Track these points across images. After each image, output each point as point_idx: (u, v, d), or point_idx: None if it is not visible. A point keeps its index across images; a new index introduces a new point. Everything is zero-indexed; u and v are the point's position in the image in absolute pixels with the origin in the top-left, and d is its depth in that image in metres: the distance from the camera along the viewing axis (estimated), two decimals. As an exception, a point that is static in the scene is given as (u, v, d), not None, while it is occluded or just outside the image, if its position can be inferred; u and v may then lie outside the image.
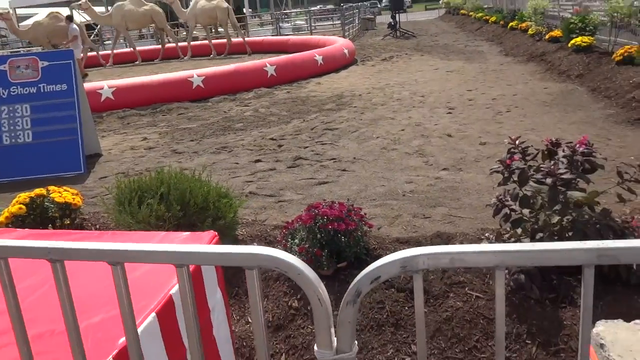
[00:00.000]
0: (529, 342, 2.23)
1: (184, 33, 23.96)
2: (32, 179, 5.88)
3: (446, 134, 6.48)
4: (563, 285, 2.34)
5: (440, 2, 45.24)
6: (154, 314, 1.64)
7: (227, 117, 8.63)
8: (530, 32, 14.41)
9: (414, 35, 21.08)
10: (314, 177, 5.36)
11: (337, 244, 2.73)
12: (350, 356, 1.00)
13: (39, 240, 1.06)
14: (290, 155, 6.13)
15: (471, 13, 26.84)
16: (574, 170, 2.40)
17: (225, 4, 19.70)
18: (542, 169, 2.29)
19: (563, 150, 2.42)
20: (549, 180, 2.23)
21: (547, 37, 12.61)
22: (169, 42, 20.94)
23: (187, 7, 21.01)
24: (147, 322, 1.61)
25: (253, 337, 2.55)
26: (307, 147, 6.45)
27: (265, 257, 1.00)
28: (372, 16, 31.75)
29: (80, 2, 18.83)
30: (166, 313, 1.69)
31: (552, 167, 2.26)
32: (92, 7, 19.17)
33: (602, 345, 1.58)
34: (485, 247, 0.89)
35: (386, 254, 2.83)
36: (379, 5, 51.44)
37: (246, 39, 20.42)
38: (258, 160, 6.06)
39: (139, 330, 1.57)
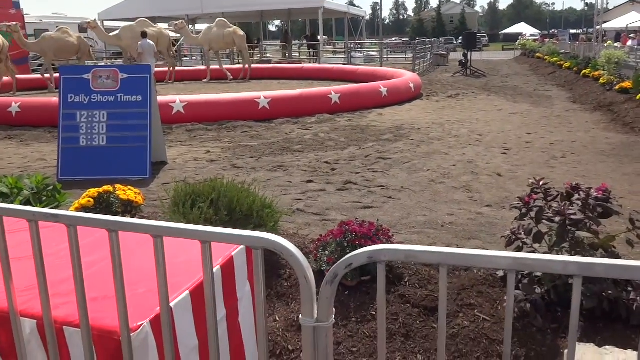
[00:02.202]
0: (528, 367, 2.40)
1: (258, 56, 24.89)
2: (101, 179, 6.42)
3: (496, 173, 6.61)
4: (566, 318, 2.49)
5: (517, 43, 45.02)
6: (187, 291, 1.95)
7: (288, 138, 9.04)
8: (601, 81, 14.24)
9: (484, 75, 21.12)
10: (361, 201, 5.62)
11: (363, 260, 2.98)
12: (327, 325, 1.27)
13: (101, 215, 1.38)
14: (341, 179, 6.42)
15: (546, 57, 26.61)
16: (588, 212, 2.56)
17: (242, 32, 20.87)
18: (553, 208, 2.48)
19: (579, 194, 2.60)
20: (557, 219, 2.41)
21: (617, 87, 12.46)
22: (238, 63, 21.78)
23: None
24: (181, 297, 1.92)
25: (279, 332, 2.83)
26: (358, 172, 6.73)
27: (267, 241, 1.28)
28: (445, 52, 31.90)
29: (176, 22, 20.03)
30: (198, 292, 1.99)
31: (563, 207, 2.44)
32: (187, 27, 20.24)
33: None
34: (432, 248, 1.14)
35: (407, 274, 3.05)
36: (454, 42, 51.57)
37: (286, 65, 21.25)
38: (310, 181, 6.38)
39: (173, 303, 1.89)
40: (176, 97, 10.71)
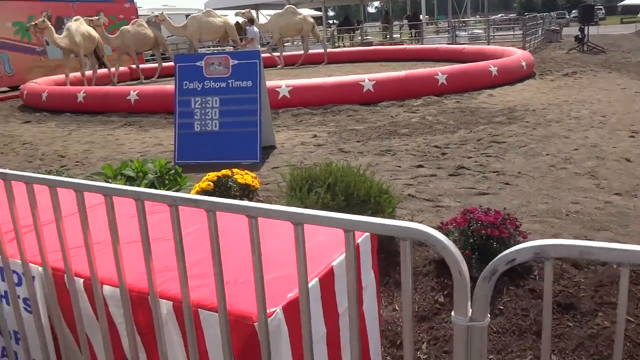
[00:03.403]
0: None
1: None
2: (214, 163, 6.63)
3: (625, 157, 6.10)
4: None
5: (639, 16, 41.49)
6: (317, 279, 1.91)
7: (394, 122, 8.88)
8: None
9: (603, 51, 19.66)
10: (475, 187, 5.40)
11: (488, 249, 2.82)
12: (482, 324, 1.16)
13: (239, 200, 1.35)
14: (453, 164, 6.20)
15: (673, 29, 24.33)
16: None
17: (311, 19, 20.78)
18: None
19: None
20: None
21: None
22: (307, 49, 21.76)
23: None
24: (310, 284, 1.88)
25: (399, 322, 2.75)
26: (471, 157, 6.47)
27: (417, 231, 1.19)
28: (558, 28, 30.03)
29: (244, 11, 20.36)
30: (327, 280, 1.95)
31: None
32: (254, 17, 20.50)
33: None
34: (611, 245, 1.00)
35: (537, 266, 2.86)
36: (566, 17, 48.52)
37: (388, 47, 20.96)
38: (420, 166, 6.22)
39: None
40: (282, 82, 10.85)
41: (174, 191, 4.13)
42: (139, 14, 26.08)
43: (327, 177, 3.22)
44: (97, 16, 18.36)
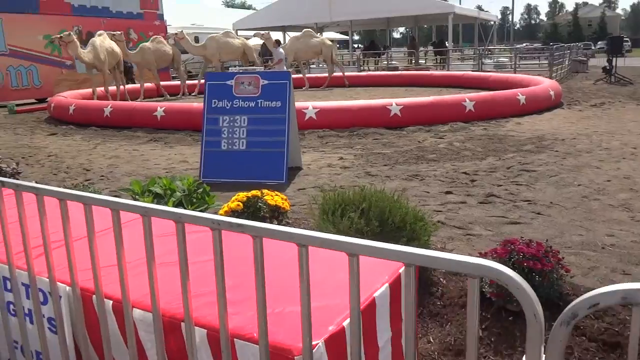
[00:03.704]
0: None
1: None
2: (239, 182, 6.58)
3: (659, 190, 5.93)
4: None
5: (666, 47, 41.09)
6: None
7: (421, 147, 8.78)
8: None
9: (630, 82, 19.41)
10: (506, 215, 5.26)
11: (530, 283, 2.69)
12: (558, 374, 1.05)
13: (290, 227, 1.27)
14: (482, 191, 6.07)
15: (703, 62, 23.98)
16: None
17: (329, 42, 20.97)
18: None
19: None
20: None
21: None
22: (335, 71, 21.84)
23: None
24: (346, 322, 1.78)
25: (434, 355, 2.62)
26: (500, 185, 6.34)
27: (489, 269, 1.09)
28: (585, 58, 29.84)
29: (263, 33, 20.49)
30: (368, 312, 1.85)
31: None
32: (271, 38, 20.63)
33: None
34: None
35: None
36: (592, 48, 48.24)
37: (414, 72, 21.12)
38: (449, 192, 6.09)
39: (345, 322, 1.76)
40: (309, 104, 10.83)
41: (201, 210, 4.07)
42: (169, 32, 26.48)
43: (361, 202, 3.13)
44: (121, 32, 18.50)
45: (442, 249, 3.96)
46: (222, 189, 6.33)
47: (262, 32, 20.78)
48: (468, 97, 11.34)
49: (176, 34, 19.21)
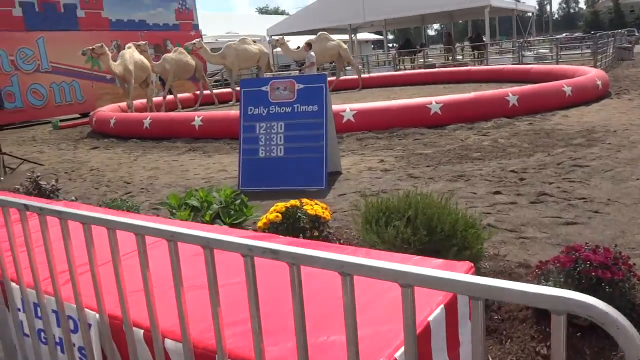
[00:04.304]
0: None
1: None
2: (278, 190, 6.43)
3: None
4: None
5: None
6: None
7: (464, 145, 8.47)
8: None
9: (681, 67, 18.53)
10: (560, 215, 4.94)
11: (599, 294, 2.43)
12: None
13: (336, 254, 1.08)
14: (533, 190, 5.75)
15: None
16: None
17: (345, 45, 20.98)
18: None
19: None
20: None
21: None
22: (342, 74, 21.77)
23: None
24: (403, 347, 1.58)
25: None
26: (552, 183, 6.00)
27: (578, 303, 0.88)
28: (629, 45, 28.71)
29: (277, 39, 20.40)
30: (423, 338, 1.64)
31: None
32: (286, 43, 20.43)
33: None
34: None
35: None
36: (636, 34, 46.46)
37: (452, 69, 21.11)
38: (497, 192, 5.80)
39: (397, 354, 1.56)
40: (346, 106, 10.63)
41: (239, 222, 3.92)
42: (204, 41, 26.72)
43: (406, 209, 2.92)
44: (145, 42, 18.41)
45: (496, 256, 3.70)
46: (261, 197, 6.20)
47: (277, 37, 20.75)
48: (511, 91, 10.94)
49: (194, 43, 19.01)
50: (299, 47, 20.44)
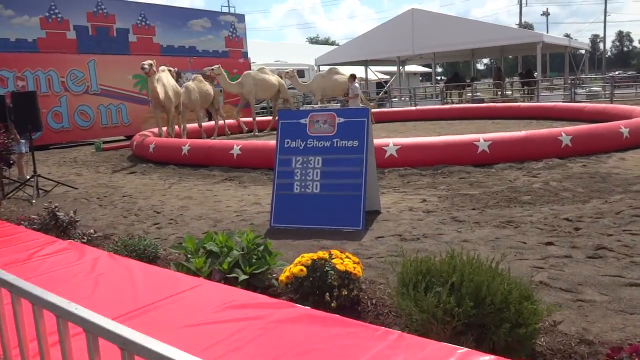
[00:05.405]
0: None
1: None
2: (312, 228, 6.06)
3: None
4: None
5: None
6: None
7: (513, 187, 7.94)
8: None
9: None
10: (623, 274, 4.39)
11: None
12: None
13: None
14: (590, 242, 5.21)
15: None
16: None
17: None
18: None
19: None
20: None
21: None
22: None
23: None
24: None
25: None
26: (611, 234, 5.44)
27: None
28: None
29: (287, 71, 20.24)
30: None
31: None
32: (296, 76, 20.29)
33: None
34: None
35: None
36: (695, 74, 44.68)
37: (501, 104, 20.66)
38: (549, 243, 5.27)
39: None
40: (389, 140, 10.24)
41: (260, 272, 3.54)
42: (252, 69, 26.91)
43: (450, 274, 2.50)
44: (175, 68, 18.02)
45: (552, 327, 3.20)
46: (292, 236, 5.84)
47: (288, 69, 20.58)
48: (564, 131, 10.35)
49: (212, 69, 18.48)
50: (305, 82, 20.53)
